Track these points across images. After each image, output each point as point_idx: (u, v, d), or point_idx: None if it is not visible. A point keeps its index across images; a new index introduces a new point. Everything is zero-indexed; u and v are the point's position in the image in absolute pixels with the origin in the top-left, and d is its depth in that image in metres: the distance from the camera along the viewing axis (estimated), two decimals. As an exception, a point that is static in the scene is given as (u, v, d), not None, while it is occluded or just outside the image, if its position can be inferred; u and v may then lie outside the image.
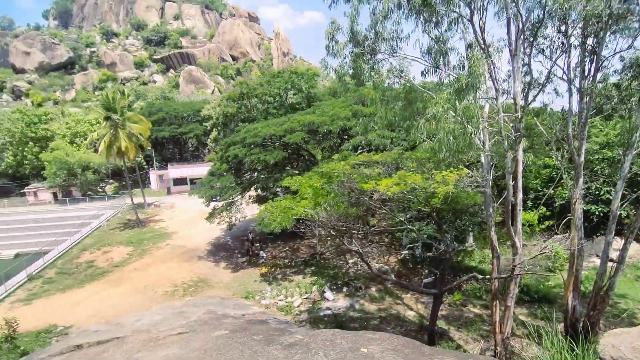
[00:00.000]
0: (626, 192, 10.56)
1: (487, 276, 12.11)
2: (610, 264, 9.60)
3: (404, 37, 13.40)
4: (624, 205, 10.61)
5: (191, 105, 57.77)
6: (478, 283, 16.75)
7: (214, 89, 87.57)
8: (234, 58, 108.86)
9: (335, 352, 4.18)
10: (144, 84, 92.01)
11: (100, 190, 48.86)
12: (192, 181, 47.54)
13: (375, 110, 17.68)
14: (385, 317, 16.21)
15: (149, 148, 43.15)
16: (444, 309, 15.72)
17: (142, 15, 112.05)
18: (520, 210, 10.22)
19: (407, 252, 19.37)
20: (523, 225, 12.07)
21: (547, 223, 14.84)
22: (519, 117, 9.55)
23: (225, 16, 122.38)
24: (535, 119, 11.19)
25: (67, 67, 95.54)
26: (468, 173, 11.99)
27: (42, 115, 51.07)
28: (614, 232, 9.69)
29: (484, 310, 15.51)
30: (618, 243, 11.33)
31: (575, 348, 6.35)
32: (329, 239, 23.10)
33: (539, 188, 15.93)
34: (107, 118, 32.96)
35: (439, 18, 11.78)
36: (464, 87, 10.26)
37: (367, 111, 20.77)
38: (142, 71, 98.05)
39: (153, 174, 52.00)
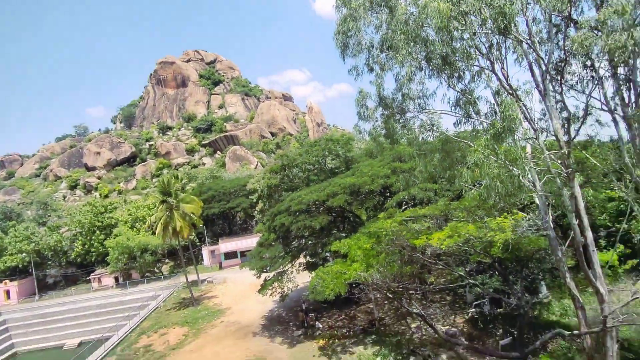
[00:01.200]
0: None
1: (575, 332, 10.83)
2: None
3: (430, 95, 14.15)
4: None
5: (237, 181, 61.68)
6: (565, 341, 14.72)
7: (257, 164, 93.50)
8: (272, 134, 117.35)
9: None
10: (195, 167, 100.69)
11: (157, 270, 51.49)
12: (243, 254, 48.90)
13: (413, 165, 17.97)
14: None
15: (201, 225, 45.70)
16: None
17: (191, 109, 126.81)
18: (594, 250, 9.46)
19: (474, 310, 17.85)
20: (602, 267, 11.04)
21: (630, 263, 13.33)
22: (566, 152, 9.37)
23: (262, 99, 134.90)
24: (584, 152, 10.85)
25: (130, 160, 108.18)
26: (525, 217, 11.55)
27: (107, 205, 56.85)
28: None
29: (581, 376, 13.35)
30: None
31: None
32: (386, 302, 22.05)
33: (608, 224, 14.63)
34: (163, 201, 36.05)
35: (461, 73, 12.42)
36: (501, 132, 10.41)
37: (406, 167, 21.09)
38: (192, 156, 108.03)
39: (205, 250, 54.28)
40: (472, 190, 11.05)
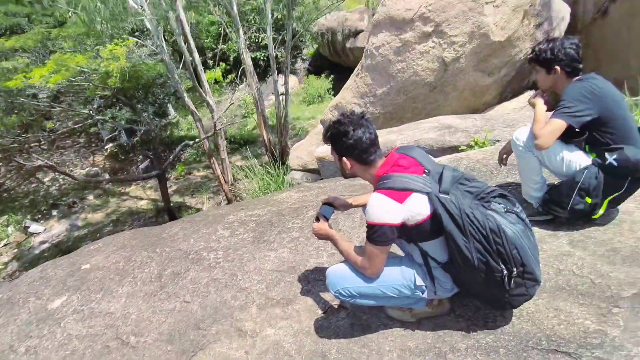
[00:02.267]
0: (275, 36, 13.34)
1: (197, 140, 13.47)
2: (281, 97, 12.48)
3: None
4: (276, 47, 13.46)
5: None
6: (193, 148, 18.22)
7: None
8: None
9: (50, 288, 4.02)
10: None
11: None
12: None
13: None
14: (119, 219, 15.81)
15: None
16: (173, 185, 16.66)
17: None
18: (201, 70, 11.23)
19: (111, 145, 18.23)
20: (211, 83, 13.43)
21: (230, 77, 17.06)
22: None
23: None
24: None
25: None
26: (137, 42, 11.66)
27: None
28: (277, 71, 12.21)
29: (207, 171, 17.36)
30: (282, 79, 14.72)
31: (271, 170, 8.82)
32: (0, 164, 18.50)
33: (213, 46, 17.58)
34: None
35: None
36: None
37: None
38: None
39: None
40: (70, 14, 9.67)
